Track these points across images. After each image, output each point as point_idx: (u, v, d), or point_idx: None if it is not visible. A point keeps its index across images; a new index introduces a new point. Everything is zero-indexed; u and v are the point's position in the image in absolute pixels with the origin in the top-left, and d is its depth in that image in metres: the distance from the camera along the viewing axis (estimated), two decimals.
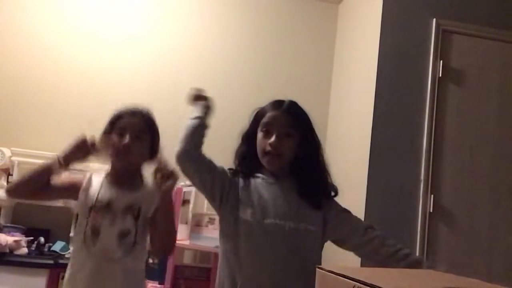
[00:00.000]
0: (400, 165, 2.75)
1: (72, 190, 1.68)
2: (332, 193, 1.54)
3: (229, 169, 1.53)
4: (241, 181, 1.49)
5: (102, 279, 1.58)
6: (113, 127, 1.69)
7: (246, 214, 1.42)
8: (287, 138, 1.46)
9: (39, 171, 1.64)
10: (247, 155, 1.50)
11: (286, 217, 1.43)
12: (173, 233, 1.68)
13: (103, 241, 1.58)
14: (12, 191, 1.65)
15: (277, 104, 1.50)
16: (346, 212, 1.56)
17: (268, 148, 1.45)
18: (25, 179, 1.63)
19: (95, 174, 1.74)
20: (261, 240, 1.41)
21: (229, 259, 1.44)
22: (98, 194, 1.64)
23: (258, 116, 1.51)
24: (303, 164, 1.49)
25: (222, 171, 1.49)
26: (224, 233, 1.48)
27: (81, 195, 1.66)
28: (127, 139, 1.63)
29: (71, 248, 1.70)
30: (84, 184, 1.68)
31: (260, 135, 1.48)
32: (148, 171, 1.68)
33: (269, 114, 1.47)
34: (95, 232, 1.59)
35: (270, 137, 1.45)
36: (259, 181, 1.49)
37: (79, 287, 1.61)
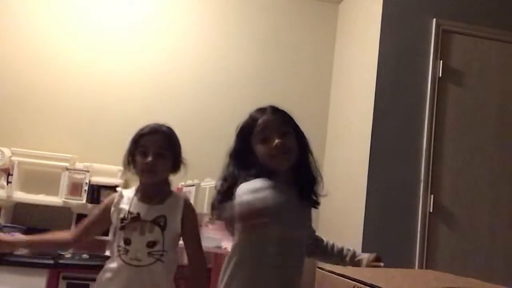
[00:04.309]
0: (400, 165, 2.75)
1: (105, 216, 1.79)
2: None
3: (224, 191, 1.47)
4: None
5: (133, 285, 1.69)
6: (136, 145, 1.77)
7: None
8: (288, 135, 1.48)
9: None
10: (241, 170, 1.46)
11: (296, 226, 1.46)
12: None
13: (134, 249, 1.70)
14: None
15: (262, 110, 1.51)
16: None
17: (274, 152, 1.44)
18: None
19: (125, 190, 1.85)
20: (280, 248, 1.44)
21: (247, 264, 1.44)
22: (129, 207, 1.75)
23: (246, 129, 1.49)
24: (302, 161, 1.51)
25: None
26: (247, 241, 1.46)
27: (113, 211, 1.77)
28: (150, 158, 1.72)
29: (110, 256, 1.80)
30: (115, 201, 1.79)
31: (259, 145, 1.46)
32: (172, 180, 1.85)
33: (260, 122, 1.47)
34: (127, 242, 1.71)
35: (271, 142, 1.44)
36: None
37: None
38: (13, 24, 3.16)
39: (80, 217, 2.75)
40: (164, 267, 1.73)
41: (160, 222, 1.74)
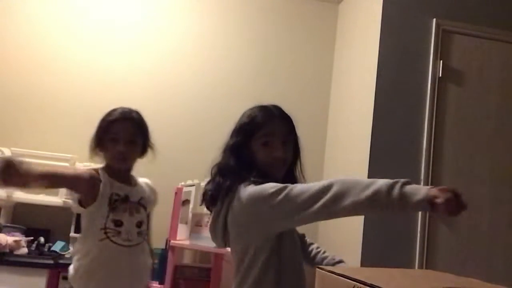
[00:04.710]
0: (400, 165, 2.75)
1: (94, 185, 1.74)
2: None
3: (229, 185, 1.43)
4: None
5: (125, 266, 1.74)
6: (105, 132, 1.75)
7: None
8: (288, 144, 1.47)
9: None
10: (240, 167, 1.43)
11: None
12: None
13: (126, 230, 1.73)
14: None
15: (269, 112, 1.47)
16: None
17: (273, 161, 1.43)
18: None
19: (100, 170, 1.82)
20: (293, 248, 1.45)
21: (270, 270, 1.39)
22: (113, 189, 1.76)
23: (250, 128, 1.46)
24: (293, 167, 1.52)
25: None
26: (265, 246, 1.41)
27: (101, 190, 1.74)
28: (121, 146, 1.73)
29: (83, 242, 1.76)
30: (102, 179, 1.77)
31: (260, 147, 1.44)
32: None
33: (266, 127, 1.44)
34: (118, 223, 1.72)
35: (273, 149, 1.43)
36: None
37: (102, 275, 1.71)
38: (13, 24, 3.16)
39: (80, 217, 2.74)
40: (147, 245, 1.84)
41: (143, 203, 1.82)
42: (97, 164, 1.85)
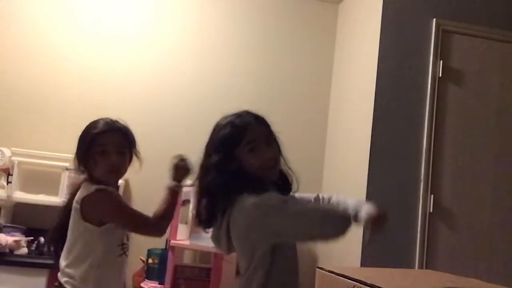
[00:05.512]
0: (400, 165, 2.75)
1: None
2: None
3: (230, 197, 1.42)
4: None
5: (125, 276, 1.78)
6: (92, 145, 1.66)
7: None
8: (272, 144, 1.47)
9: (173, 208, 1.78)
10: (232, 181, 1.41)
11: None
12: None
13: (129, 244, 1.73)
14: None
15: (245, 118, 1.47)
16: None
17: (266, 163, 1.43)
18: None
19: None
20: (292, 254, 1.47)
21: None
22: None
23: (231, 138, 1.44)
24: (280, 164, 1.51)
25: None
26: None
27: None
28: (114, 158, 1.65)
29: (93, 263, 1.63)
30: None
31: (246, 154, 1.42)
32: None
33: (248, 132, 1.43)
34: (128, 238, 1.71)
35: (260, 153, 1.42)
36: None
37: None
38: (13, 24, 3.16)
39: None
40: None
41: None
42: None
